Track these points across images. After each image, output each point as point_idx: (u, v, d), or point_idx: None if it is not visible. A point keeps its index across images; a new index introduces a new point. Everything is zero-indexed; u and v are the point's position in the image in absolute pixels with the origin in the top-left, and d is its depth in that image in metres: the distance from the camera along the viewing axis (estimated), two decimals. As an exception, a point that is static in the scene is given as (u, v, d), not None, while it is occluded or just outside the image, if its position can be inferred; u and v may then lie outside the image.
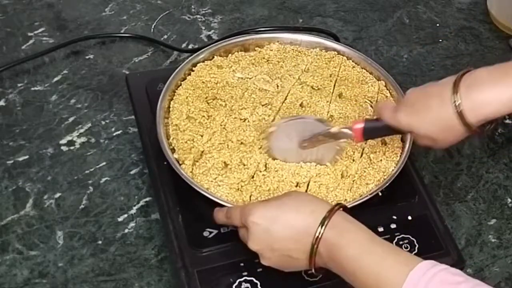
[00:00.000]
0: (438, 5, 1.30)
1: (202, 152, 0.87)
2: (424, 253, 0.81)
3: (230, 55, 0.99)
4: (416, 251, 0.82)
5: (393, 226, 0.84)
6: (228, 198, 0.83)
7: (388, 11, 1.28)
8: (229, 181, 0.84)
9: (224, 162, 0.86)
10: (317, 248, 0.70)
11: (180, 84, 0.94)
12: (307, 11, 1.26)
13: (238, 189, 0.84)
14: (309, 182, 0.85)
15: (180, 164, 0.85)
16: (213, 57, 0.98)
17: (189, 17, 1.22)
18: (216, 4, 1.25)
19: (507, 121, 1.09)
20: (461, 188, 0.99)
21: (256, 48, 1.01)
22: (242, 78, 0.96)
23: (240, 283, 0.78)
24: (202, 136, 0.88)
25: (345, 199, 0.84)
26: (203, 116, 0.90)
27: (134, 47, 1.15)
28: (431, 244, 0.84)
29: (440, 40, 1.23)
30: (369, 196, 0.83)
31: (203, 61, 0.97)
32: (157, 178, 0.88)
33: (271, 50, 1.00)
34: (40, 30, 1.17)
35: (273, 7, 1.26)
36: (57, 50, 1.12)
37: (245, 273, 0.78)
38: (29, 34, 1.16)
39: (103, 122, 1.03)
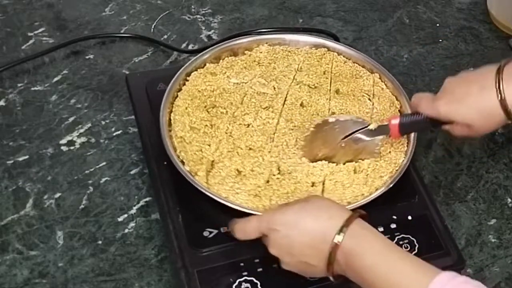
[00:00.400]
0: (438, 5, 1.30)
1: (213, 161, 0.86)
2: (424, 253, 0.81)
3: (221, 61, 0.99)
4: (416, 251, 0.82)
5: (393, 226, 0.84)
6: (248, 205, 0.82)
7: (388, 11, 1.28)
8: (246, 188, 0.83)
9: (237, 170, 0.85)
10: (335, 256, 0.70)
11: (177, 95, 0.93)
12: (307, 11, 1.26)
13: (256, 195, 0.83)
14: (324, 181, 0.85)
15: (193, 176, 0.84)
16: (205, 65, 0.98)
17: (189, 17, 1.22)
18: (216, 4, 1.25)
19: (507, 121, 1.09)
20: (461, 188, 0.99)
21: (245, 52, 1.00)
22: (237, 83, 0.96)
23: (240, 283, 0.78)
24: (209, 145, 0.87)
25: (362, 194, 0.84)
26: (206, 125, 0.90)
27: (134, 47, 1.15)
28: (431, 244, 0.84)
29: (440, 40, 1.23)
30: (386, 189, 0.84)
31: (196, 70, 0.97)
32: (157, 178, 0.88)
33: (261, 52, 1.00)
34: (40, 30, 1.17)
35: (273, 7, 1.26)
36: (57, 50, 1.12)
37: (245, 273, 0.78)
38: (29, 34, 1.16)
39: (103, 122, 1.03)
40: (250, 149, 0.88)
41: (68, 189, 0.94)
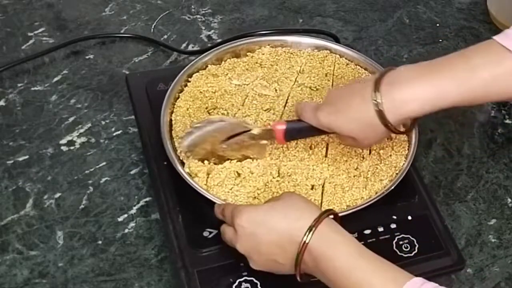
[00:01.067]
0: (438, 5, 1.29)
1: (213, 164, 0.86)
2: (424, 253, 0.82)
3: (223, 62, 0.99)
4: (416, 251, 0.82)
5: (393, 226, 0.84)
6: None
7: (388, 11, 1.28)
8: (245, 190, 0.84)
9: (237, 172, 0.85)
10: (302, 256, 0.70)
11: (178, 96, 0.93)
12: (307, 11, 1.26)
13: (255, 197, 0.83)
14: (324, 184, 0.85)
15: (192, 177, 0.85)
16: (207, 66, 0.97)
17: (189, 17, 1.22)
18: (216, 4, 1.25)
19: (507, 121, 1.09)
20: (461, 188, 0.99)
21: (247, 53, 1.00)
22: (239, 85, 0.96)
23: (240, 283, 0.78)
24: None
25: (362, 197, 0.84)
26: None
27: (134, 47, 1.15)
28: (431, 244, 0.84)
29: (440, 40, 1.22)
30: (385, 192, 0.84)
31: (197, 71, 0.97)
32: (157, 178, 0.88)
33: (263, 54, 1.00)
34: (40, 30, 1.17)
35: (273, 7, 1.26)
36: (57, 50, 1.12)
37: (245, 273, 0.78)
38: (29, 34, 1.16)
39: (103, 122, 1.03)
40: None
41: (68, 189, 0.94)
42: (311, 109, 0.81)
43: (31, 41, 1.15)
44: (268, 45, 1.01)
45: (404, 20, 1.26)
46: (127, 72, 1.09)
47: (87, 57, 1.13)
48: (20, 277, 0.85)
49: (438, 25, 1.26)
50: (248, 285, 0.78)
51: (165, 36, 1.18)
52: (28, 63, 1.10)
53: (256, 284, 0.78)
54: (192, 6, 1.24)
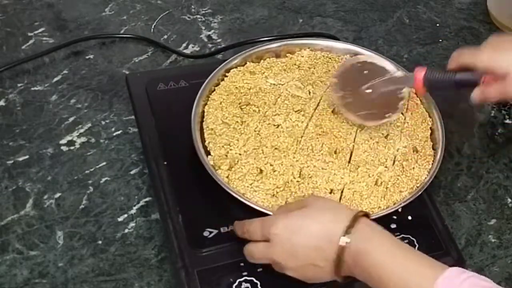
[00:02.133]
0: (438, 5, 1.30)
1: (237, 157, 0.87)
2: (424, 253, 0.81)
3: (262, 61, 1.00)
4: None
5: (393, 226, 0.84)
6: (264, 203, 0.83)
7: (388, 11, 1.28)
8: (264, 187, 0.84)
9: (259, 168, 0.86)
10: (343, 258, 0.70)
11: (214, 89, 0.95)
12: (307, 11, 1.26)
13: (274, 195, 0.84)
14: (343, 189, 0.85)
15: (216, 170, 0.85)
16: (246, 63, 0.99)
17: (189, 17, 1.22)
18: (216, 4, 1.25)
19: (507, 121, 1.09)
20: (461, 188, 0.99)
21: (287, 55, 1.01)
22: (274, 84, 0.97)
23: (240, 283, 0.78)
24: (238, 141, 0.88)
25: (379, 207, 0.84)
26: (237, 121, 0.91)
27: (134, 47, 1.15)
28: (431, 244, 0.84)
29: (440, 40, 1.22)
30: (403, 204, 0.84)
31: (236, 67, 0.98)
32: (157, 178, 0.88)
33: (302, 57, 1.01)
34: (40, 30, 1.17)
35: (273, 7, 1.26)
36: (57, 50, 1.12)
37: (245, 273, 0.78)
38: (29, 34, 1.16)
39: (103, 122, 1.03)
40: (275, 149, 0.88)
41: (68, 189, 0.94)
42: (471, 50, 0.82)
43: (31, 41, 1.15)
44: (308, 48, 1.02)
45: (404, 20, 1.26)
46: (127, 72, 1.09)
47: (87, 57, 1.13)
48: (20, 277, 0.85)
49: (438, 25, 1.26)
50: (248, 285, 0.78)
51: (165, 36, 1.18)
52: (28, 63, 1.10)
53: (256, 284, 0.78)
54: (192, 6, 1.24)
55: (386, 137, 0.92)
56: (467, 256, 0.90)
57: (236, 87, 0.95)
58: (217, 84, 0.96)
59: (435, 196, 0.95)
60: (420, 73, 0.86)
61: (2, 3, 1.21)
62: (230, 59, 0.98)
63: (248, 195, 0.83)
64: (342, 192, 0.85)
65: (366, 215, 0.73)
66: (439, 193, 0.98)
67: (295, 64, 1.00)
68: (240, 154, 0.87)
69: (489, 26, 1.26)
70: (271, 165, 0.86)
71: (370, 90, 0.88)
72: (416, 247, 0.82)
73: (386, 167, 0.88)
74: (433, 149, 0.92)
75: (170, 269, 0.86)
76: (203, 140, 0.89)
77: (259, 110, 0.93)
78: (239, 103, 0.94)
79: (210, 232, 0.82)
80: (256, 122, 0.91)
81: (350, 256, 0.70)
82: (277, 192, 0.84)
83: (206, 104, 0.93)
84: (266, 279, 0.78)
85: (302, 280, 0.75)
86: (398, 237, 0.83)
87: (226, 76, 0.97)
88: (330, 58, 1.01)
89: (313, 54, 1.02)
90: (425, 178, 0.88)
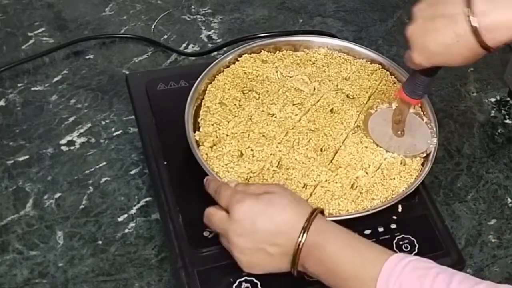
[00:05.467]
0: (438, 5, 1.29)
1: (223, 137, 0.88)
2: (424, 253, 0.81)
3: (277, 52, 1.00)
4: (416, 251, 0.82)
5: (393, 226, 0.84)
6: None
7: (388, 11, 1.28)
8: (239, 170, 0.84)
9: (240, 151, 0.86)
10: (299, 250, 0.71)
11: (222, 71, 0.96)
12: (307, 11, 1.26)
13: (246, 179, 0.84)
14: (316, 186, 0.85)
15: (198, 146, 0.86)
16: (261, 51, 1.00)
17: (189, 17, 1.23)
18: (216, 4, 1.25)
19: (507, 121, 1.09)
20: (461, 188, 1.00)
21: (304, 50, 1.01)
22: (283, 75, 0.97)
23: (240, 283, 0.78)
24: (228, 122, 0.89)
25: (347, 210, 0.83)
26: (235, 104, 0.92)
27: (134, 47, 1.15)
28: (431, 244, 0.84)
29: (440, 40, 1.22)
30: (370, 212, 0.83)
31: (250, 53, 0.99)
32: (157, 178, 0.88)
33: (319, 54, 1.01)
34: (40, 30, 1.17)
35: (273, 7, 1.26)
36: (57, 50, 1.12)
37: (245, 273, 0.78)
38: (29, 34, 1.16)
39: (103, 122, 1.03)
40: (263, 136, 0.88)
41: (68, 189, 0.94)
42: (409, 56, 0.81)
43: (31, 41, 1.15)
44: (326, 47, 1.02)
45: (404, 20, 1.26)
46: (127, 72, 1.09)
47: (87, 57, 1.13)
48: (20, 277, 0.85)
49: (438, 25, 1.25)
50: (248, 285, 0.78)
51: (165, 36, 1.18)
52: (28, 63, 1.10)
53: (256, 284, 0.78)
54: (192, 6, 1.24)
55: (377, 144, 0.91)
56: (467, 256, 0.90)
57: (245, 72, 0.96)
58: (228, 67, 0.97)
59: (435, 196, 0.95)
60: (399, 91, 0.87)
61: (2, 3, 1.21)
62: (246, 45, 0.99)
63: (221, 175, 0.84)
64: (315, 188, 0.85)
65: (322, 212, 0.75)
66: (439, 193, 0.98)
67: (309, 60, 1.00)
68: (227, 135, 0.88)
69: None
70: (251, 149, 0.87)
71: (399, 132, 0.91)
72: (416, 247, 0.82)
73: (366, 172, 0.87)
74: (422, 165, 0.89)
75: (170, 269, 0.86)
76: (197, 117, 0.91)
77: (259, 97, 0.93)
78: (243, 88, 0.94)
79: (210, 232, 0.81)
80: (252, 108, 0.91)
81: (305, 250, 0.71)
82: (250, 177, 0.84)
83: (211, 83, 0.95)
84: (266, 279, 0.77)
85: (240, 266, 0.75)
86: (398, 237, 0.83)
87: (238, 61, 0.98)
88: (345, 60, 1.01)
89: (329, 53, 1.01)
90: (403, 190, 0.86)
